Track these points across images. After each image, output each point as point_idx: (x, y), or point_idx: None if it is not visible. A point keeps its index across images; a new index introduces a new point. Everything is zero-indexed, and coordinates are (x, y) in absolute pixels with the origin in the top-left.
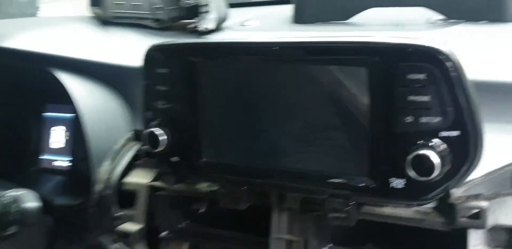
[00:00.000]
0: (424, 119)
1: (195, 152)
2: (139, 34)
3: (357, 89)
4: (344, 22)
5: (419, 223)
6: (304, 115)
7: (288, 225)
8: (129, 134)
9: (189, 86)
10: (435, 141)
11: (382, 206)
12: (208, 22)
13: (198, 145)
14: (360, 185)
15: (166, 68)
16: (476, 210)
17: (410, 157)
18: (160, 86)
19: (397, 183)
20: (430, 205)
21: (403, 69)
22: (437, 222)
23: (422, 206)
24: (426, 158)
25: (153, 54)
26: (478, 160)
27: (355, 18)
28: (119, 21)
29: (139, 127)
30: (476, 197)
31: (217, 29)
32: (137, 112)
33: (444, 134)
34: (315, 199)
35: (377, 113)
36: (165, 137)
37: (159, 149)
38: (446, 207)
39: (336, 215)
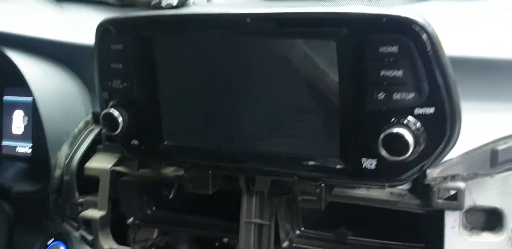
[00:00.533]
0: (397, 96)
1: (156, 135)
2: (96, 11)
3: (325, 64)
4: None
5: (393, 205)
6: (271, 94)
7: (258, 208)
8: (88, 117)
9: (145, 64)
10: (409, 119)
11: (354, 187)
12: None
13: (159, 127)
14: (330, 166)
15: (120, 44)
16: (453, 191)
17: (382, 136)
18: (115, 64)
19: (369, 163)
20: (405, 186)
21: (374, 42)
22: (412, 204)
23: (396, 188)
24: (399, 137)
25: (106, 29)
26: (455, 139)
27: None
28: None
29: (98, 109)
30: (453, 177)
31: (182, 5)
32: (95, 94)
33: (419, 111)
34: (285, 182)
35: (347, 90)
36: (120, 119)
37: (117, 131)
38: (422, 188)
39: (306, 197)
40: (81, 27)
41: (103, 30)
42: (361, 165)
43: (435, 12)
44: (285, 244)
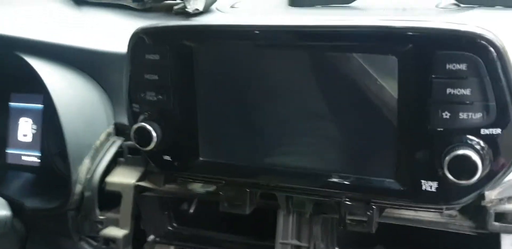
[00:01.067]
0: (463, 115)
1: (191, 151)
2: (118, 16)
3: (384, 80)
4: (346, 6)
5: (444, 227)
6: (322, 111)
7: (296, 229)
8: (110, 128)
9: (184, 75)
10: (475, 140)
11: (401, 209)
12: (197, 3)
13: (194, 142)
14: (385, 188)
15: (157, 54)
16: (510, 214)
17: (448, 157)
18: (149, 75)
19: (429, 185)
20: (464, 208)
21: (441, 58)
22: (464, 226)
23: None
24: (466, 159)
25: (141, 38)
26: None
27: (358, 2)
28: (95, 0)
29: (121, 119)
30: (510, 199)
31: (206, 11)
32: (118, 104)
33: (485, 131)
34: (329, 202)
35: (407, 108)
36: (154, 133)
37: (151, 146)
38: (474, 210)
39: (355, 218)
40: (102, 33)
41: (137, 39)
42: (420, 187)
43: (480, 22)
44: None
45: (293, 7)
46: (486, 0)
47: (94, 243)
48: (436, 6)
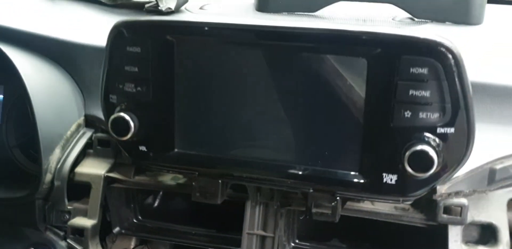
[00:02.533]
0: (422, 115)
1: (166, 142)
2: (90, 10)
3: (353, 80)
4: (312, 15)
5: (398, 219)
6: (292, 106)
7: (262, 220)
8: (80, 119)
9: (164, 68)
10: (432, 137)
11: (362, 201)
12: (169, 2)
13: (170, 134)
14: (349, 180)
15: (138, 47)
16: (457, 207)
17: (408, 152)
18: (129, 66)
19: (389, 178)
20: (417, 202)
21: (405, 62)
22: (416, 218)
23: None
24: (425, 154)
25: (122, 31)
26: (468, 158)
27: (321, 11)
28: None
29: (91, 111)
30: (457, 194)
31: (177, 10)
32: (89, 95)
33: (441, 130)
34: (296, 193)
35: (373, 106)
36: (132, 124)
37: (128, 136)
38: (425, 203)
39: (320, 210)
40: (75, 25)
41: (118, 31)
42: (382, 179)
43: None
44: None
45: (260, 12)
46: (437, 16)
47: (61, 233)
48: (393, 19)
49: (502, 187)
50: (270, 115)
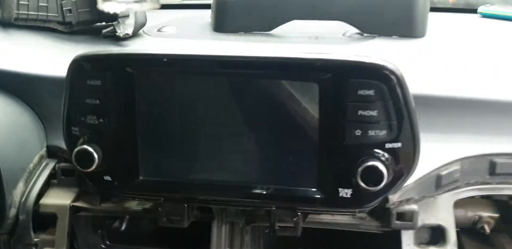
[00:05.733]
0: (371, 133)
1: (131, 171)
2: (46, 39)
3: (307, 103)
4: (267, 33)
5: (356, 228)
6: (251, 129)
7: (228, 238)
8: (42, 150)
9: (124, 100)
10: (381, 153)
11: (322, 214)
12: (127, 27)
13: (134, 162)
14: (308, 196)
15: (98, 80)
16: (408, 213)
17: (360, 168)
18: (90, 99)
19: (345, 192)
20: (373, 210)
21: (353, 85)
22: (372, 225)
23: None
24: (375, 169)
25: (82, 64)
26: (415, 168)
27: (276, 30)
28: (21, 23)
29: (53, 142)
30: (408, 201)
31: (135, 35)
32: (50, 126)
33: (389, 145)
34: (260, 211)
35: (327, 127)
36: (95, 155)
37: (92, 168)
38: (380, 212)
39: (283, 225)
40: (30, 56)
41: (77, 65)
42: (338, 194)
43: (378, 51)
44: None
45: (217, 33)
46: (384, 30)
47: None
48: (343, 35)
49: (448, 191)
50: (230, 140)
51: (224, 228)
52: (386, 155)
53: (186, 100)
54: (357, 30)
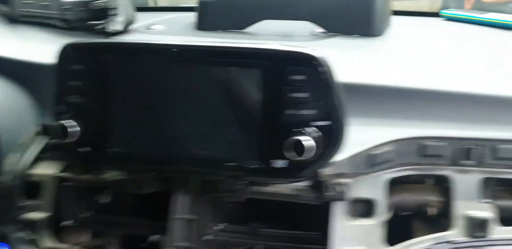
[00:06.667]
0: (303, 112)
1: (105, 142)
2: (47, 33)
3: (252, 86)
4: (241, 31)
5: (296, 199)
6: (205, 109)
7: (188, 206)
8: (37, 127)
9: (101, 82)
10: (311, 129)
11: (267, 185)
12: (116, 24)
13: (108, 135)
14: (250, 167)
15: (81, 65)
16: (339, 186)
17: (293, 141)
18: (74, 81)
19: (280, 163)
20: (306, 183)
21: (288, 71)
22: (310, 197)
23: (298, 184)
24: (302, 142)
25: (68, 51)
26: (342, 145)
27: (251, 28)
28: (26, 19)
29: (48, 121)
30: (340, 175)
31: (125, 31)
32: (45, 107)
33: (319, 123)
34: (214, 181)
35: (267, 107)
36: (77, 129)
37: (69, 140)
38: (317, 184)
39: (230, 194)
40: (32, 47)
41: (65, 52)
42: (275, 165)
43: (335, 47)
44: (209, 237)
45: (199, 31)
46: (346, 29)
47: (14, 228)
48: (310, 34)
49: (382, 169)
50: (186, 117)
51: (185, 197)
52: (315, 131)
53: (150, 83)
54: (323, 30)
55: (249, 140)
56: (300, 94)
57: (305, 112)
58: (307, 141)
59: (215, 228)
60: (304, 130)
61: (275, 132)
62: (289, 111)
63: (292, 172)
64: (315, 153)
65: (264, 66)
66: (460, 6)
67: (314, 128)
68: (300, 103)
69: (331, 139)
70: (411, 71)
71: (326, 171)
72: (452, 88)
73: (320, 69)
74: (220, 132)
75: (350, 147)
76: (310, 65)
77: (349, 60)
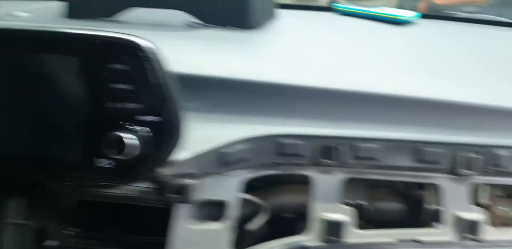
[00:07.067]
0: (127, 105)
1: None
2: None
3: (71, 77)
4: (111, 20)
5: (140, 201)
6: (30, 103)
7: (22, 210)
8: None
9: None
10: (136, 125)
11: (110, 187)
12: None
13: None
14: (74, 166)
15: None
16: (182, 187)
17: (111, 138)
18: None
19: (105, 162)
20: (150, 184)
21: (109, 60)
22: (153, 199)
23: (142, 185)
24: (123, 139)
25: None
26: (179, 142)
27: (123, 17)
28: None
29: None
30: (185, 175)
31: None
32: None
33: (145, 118)
34: (45, 183)
35: (86, 99)
36: None
37: None
38: (160, 186)
39: (58, 197)
40: None
41: None
42: (99, 164)
43: (204, 39)
44: (52, 243)
45: (67, 19)
46: (221, 21)
47: None
48: (184, 24)
49: (235, 169)
50: (15, 111)
51: (17, 200)
52: (139, 127)
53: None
54: (198, 20)
55: (71, 136)
56: (123, 85)
57: (130, 106)
58: (130, 138)
59: (63, 233)
60: (129, 125)
61: (97, 127)
62: (111, 104)
63: (121, 172)
64: (141, 152)
65: (81, 53)
66: (413, 8)
67: (139, 124)
68: (124, 96)
69: (163, 136)
70: (274, 66)
71: (166, 171)
72: (311, 84)
73: (144, 59)
74: (46, 127)
75: (196, 144)
76: (133, 55)
77: (214, 53)
